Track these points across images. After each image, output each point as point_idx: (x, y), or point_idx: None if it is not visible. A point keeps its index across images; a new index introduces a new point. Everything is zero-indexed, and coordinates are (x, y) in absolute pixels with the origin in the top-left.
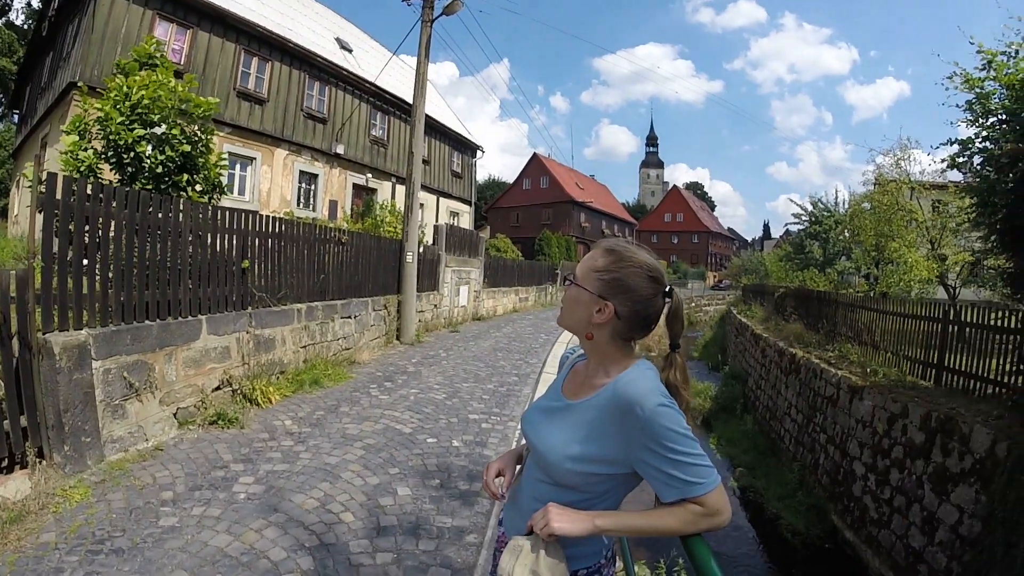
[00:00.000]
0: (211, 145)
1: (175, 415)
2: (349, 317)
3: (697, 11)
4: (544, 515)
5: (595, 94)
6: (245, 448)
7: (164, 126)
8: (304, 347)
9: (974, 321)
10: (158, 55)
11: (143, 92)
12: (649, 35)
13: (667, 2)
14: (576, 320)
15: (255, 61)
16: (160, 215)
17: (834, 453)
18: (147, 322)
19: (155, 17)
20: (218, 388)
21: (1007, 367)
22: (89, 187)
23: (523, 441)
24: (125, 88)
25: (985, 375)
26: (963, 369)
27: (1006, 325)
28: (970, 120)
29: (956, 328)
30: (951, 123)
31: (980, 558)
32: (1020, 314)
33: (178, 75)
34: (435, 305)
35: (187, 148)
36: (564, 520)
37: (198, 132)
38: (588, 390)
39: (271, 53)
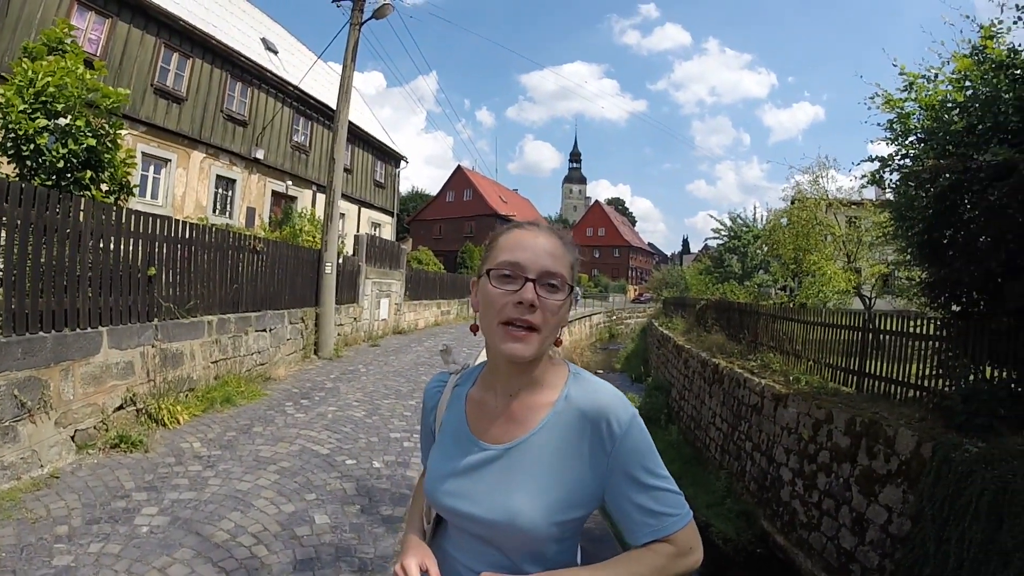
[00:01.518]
0: (119, 141)
1: (73, 438)
2: (264, 330)
3: (624, 33)
4: None
5: (521, 110)
6: (149, 474)
7: (69, 117)
8: (215, 362)
9: (894, 329)
10: (68, 40)
11: (49, 79)
12: (577, 54)
13: (595, 23)
14: (553, 338)
15: (175, 57)
16: (59, 215)
17: (760, 460)
18: (41, 333)
19: (74, 3)
20: (121, 407)
21: (927, 371)
22: None
23: (415, 519)
24: (30, 73)
25: (906, 380)
26: (884, 375)
27: (925, 332)
28: (890, 139)
29: (876, 336)
30: (870, 141)
31: (912, 555)
32: (937, 321)
33: (89, 64)
34: (355, 318)
35: (92, 142)
36: None
37: (105, 126)
38: (529, 416)
39: (192, 49)
